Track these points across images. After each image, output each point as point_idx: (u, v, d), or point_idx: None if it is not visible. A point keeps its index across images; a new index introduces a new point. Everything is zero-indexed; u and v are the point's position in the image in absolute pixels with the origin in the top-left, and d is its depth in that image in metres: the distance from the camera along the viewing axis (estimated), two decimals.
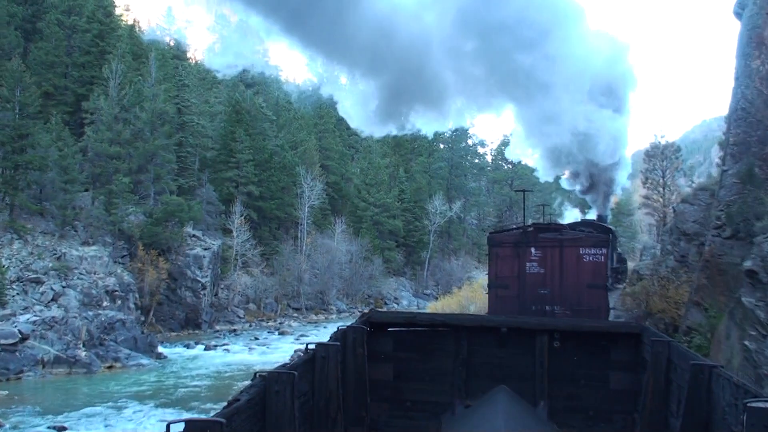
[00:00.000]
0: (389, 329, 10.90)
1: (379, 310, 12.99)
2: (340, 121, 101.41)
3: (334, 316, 64.80)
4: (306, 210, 70.44)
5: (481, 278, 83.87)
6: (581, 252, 21.06)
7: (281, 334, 51.90)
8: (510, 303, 21.29)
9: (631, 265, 35.54)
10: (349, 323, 10.76)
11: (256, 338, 48.94)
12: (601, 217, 36.30)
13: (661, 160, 44.54)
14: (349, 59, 32.71)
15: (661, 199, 44.03)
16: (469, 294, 41.69)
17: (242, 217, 62.40)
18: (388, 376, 10.51)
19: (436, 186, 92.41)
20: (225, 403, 6.13)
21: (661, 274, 19.77)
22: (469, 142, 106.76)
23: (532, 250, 21.46)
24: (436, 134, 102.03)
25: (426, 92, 31.21)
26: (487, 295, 24.55)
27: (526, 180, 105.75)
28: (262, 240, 67.42)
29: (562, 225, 26.20)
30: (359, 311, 69.18)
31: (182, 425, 4.97)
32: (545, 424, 9.89)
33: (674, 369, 8.54)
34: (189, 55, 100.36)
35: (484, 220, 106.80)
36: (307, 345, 8.67)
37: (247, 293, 62.31)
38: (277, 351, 41.76)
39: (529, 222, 30.09)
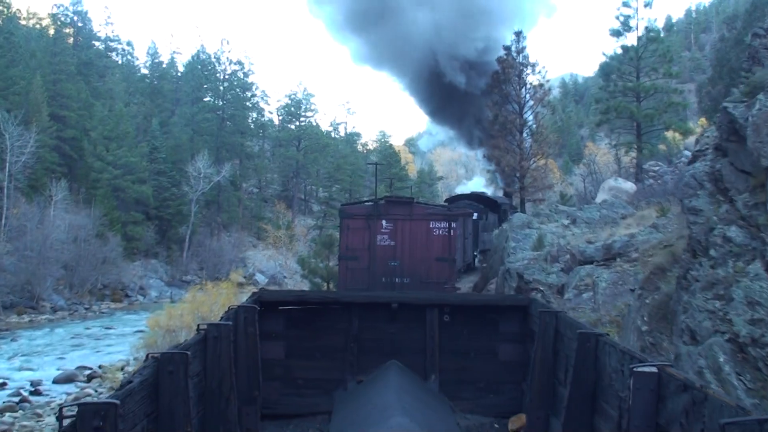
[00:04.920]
0: (280, 308, 10.31)
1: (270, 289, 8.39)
2: (88, 65, 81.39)
3: (44, 318, 46.17)
4: (8, 170, 50.84)
5: (254, 264, 68.35)
6: (431, 225, 21.05)
7: None
8: (360, 275, 21.16)
9: None
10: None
11: None
12: (506, 193, 34.00)
13: (517, 84, 28.80)
14: None
15: (518, 149, 29.08)
16: (213, 298, 25.84)
17: None
18: (279, 355, 10.05)
19: (201, 143, 74.21)
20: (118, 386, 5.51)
21: None
22: (248, 93, 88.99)
23: (383, 222, 21.25)
24: (206, 77, 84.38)
25: None
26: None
27: (315, 141, 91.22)
28: None
29: (412, 198, 24.87)
30: (85, 308, 51.38)
31: (75, 409, 4.60)
32: (436, 396, 9.76)
33: (562, 339, 8.25)
34: None
35: (266, 188, 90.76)
36: (198, 325, 7.95)
37: None
38: None
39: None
